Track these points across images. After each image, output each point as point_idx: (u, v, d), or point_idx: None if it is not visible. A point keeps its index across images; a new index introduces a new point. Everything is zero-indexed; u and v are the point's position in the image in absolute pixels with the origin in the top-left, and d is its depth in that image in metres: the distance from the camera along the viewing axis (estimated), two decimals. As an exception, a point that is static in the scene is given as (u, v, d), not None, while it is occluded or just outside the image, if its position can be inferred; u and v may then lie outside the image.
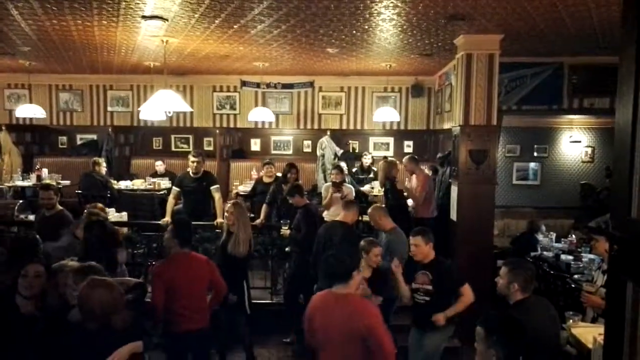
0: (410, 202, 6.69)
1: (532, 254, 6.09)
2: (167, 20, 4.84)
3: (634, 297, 1.89)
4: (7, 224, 6.35)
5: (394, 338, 2.99)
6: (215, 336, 4.50)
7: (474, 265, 5.38)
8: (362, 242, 4.25)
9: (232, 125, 9.36)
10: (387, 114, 7.98)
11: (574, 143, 8.84)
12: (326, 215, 6.51)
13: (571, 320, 3.43)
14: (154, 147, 10.80)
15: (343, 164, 8.12)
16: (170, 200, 6.35)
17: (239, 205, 4.88)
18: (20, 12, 4.67)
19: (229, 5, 4.36)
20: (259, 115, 8.15)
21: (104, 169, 8.35)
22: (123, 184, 8.64)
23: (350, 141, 10.25)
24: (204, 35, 5.53)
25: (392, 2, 4.18)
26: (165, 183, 8.53)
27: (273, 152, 10.60)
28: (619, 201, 2.11)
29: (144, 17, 4.74)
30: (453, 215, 5.85)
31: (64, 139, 10.88)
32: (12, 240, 4.95)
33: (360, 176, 8.47)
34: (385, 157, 7.95)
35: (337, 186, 6.46)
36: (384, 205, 5.81)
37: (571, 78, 6.47)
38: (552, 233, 6.71)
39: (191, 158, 6.29)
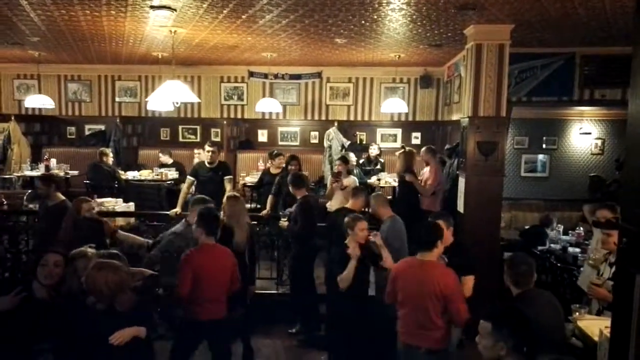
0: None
1: (540, 248, 6.05)
2: (175, 10, 4.83)
3: (643, 290, 1.88)
4: (16, 213, 6.41)
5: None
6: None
7: (481, 257, 5.35)
8: (346, 219, 4.14)
9: (239, 116, 9.36)
10: (395, 105, 7.94)
11: (584, 135, 8.75)
12: (328, 205, 6.53)
13: (577, 313, 3.42)
14: (162, 138, 10.84)
15: (352, 155, 8.12)
16: (184, 189, 6.45)
17: (231, 199, 4.84)
18: (30, 2, 4.68)
19: (236, -6, 4.35)
20: (267, 106, 8.13)
21: (111, 159, 8.40)
22: (130, 174, 8.69)
23: (357, 132, 10.22)
24: (212, 25, 5.51)
25: (401, -8, 4.14)
26: (172, 174, 8.57)
27: (280, 143, 10.59)
28: (630, 194, 2.09)
29: (152, 7, 4.73)
30: (460, 207, 5.83)
31: (73, 129, 10.94)
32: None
33: (367, 167, 8.46)
34: (403, 146, 7.87)
35: (336, 176, 6.47)
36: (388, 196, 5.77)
37: (583, 69, 6.38)
38: (559, 225, 6.67)
39: (207, 148, 6.44)
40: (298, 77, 8.83)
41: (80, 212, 4.73)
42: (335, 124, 9.17)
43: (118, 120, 9.65)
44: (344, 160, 6.81)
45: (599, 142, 8.72)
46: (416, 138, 10.20)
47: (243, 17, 5.12)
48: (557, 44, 6.16)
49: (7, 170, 9.12)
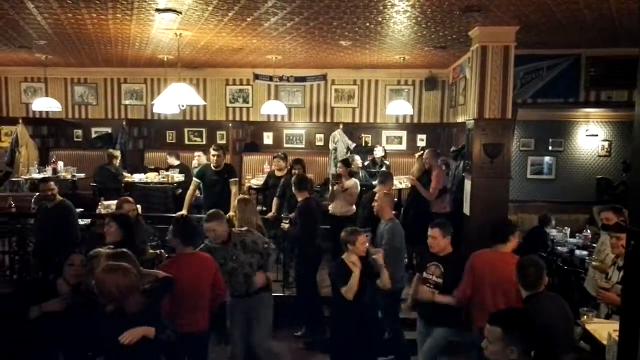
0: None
1: (547, 249, 6.01)
2: (180, 13, 4.85)
3: (651, 293, 1.87)
4: (24, 216, 6.45)
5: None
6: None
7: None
8: (343, 234, 3.99)
9: (244, 119, 9.38)
10: (400, 107, 7.92)
11: (591, 137, 8.70)
12: (330, 208, 6.53)
13: (585, 316, 3.40)
14: (168, 141, 10.87)
15: (357, 158, 8.11)
16: (190, 191, 6.47)
17: (241, 202, 4.82)
18: (37, 5, 4.72)
19: (242, -3, 4.36)
20: (272, 108, 8.15)
21: (118, 161, 8.45)
22: (137, 177, 8.72)
23: (362, 135, 10.20)
24: (217, 28, 5.53)
25: (406, -6, 4.14)
26: (178, 176, 8.60)
27: (285, 145, 10.58)
28: (637, 196, 2.07)
29: (157, 10, 4.75)
30: (466, 210, 5.81)
31: (79, 132, 10.99)
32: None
33: (372, 169, 8.44)
34: (422, 149, 7.86)
35: (337, 179, 6.49)
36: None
37: (589, 70, 6.35)
38: (566, 228, 6.63)
39: (212, 152, 6.45)
40: (303, 79, 8.84)
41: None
42: (341, 126, 9.17)
43: (124, 123, 9.70)
44: (345, 162, 6.83)
45: (606, 144, 8.67)
46: (421, 140, 10.17)
47: (248, 19, 5.13)
48: (562, 46, 6.14)
49: (15, 173, 9.19)
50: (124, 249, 3.39)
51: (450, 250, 3.93)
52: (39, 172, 8.77)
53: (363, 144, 9.81)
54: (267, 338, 4.38)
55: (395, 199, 7.96)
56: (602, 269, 4.09)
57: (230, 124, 9.85)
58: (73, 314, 3.23)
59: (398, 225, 4.79)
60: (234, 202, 6.12)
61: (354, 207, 6.49)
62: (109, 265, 2.96)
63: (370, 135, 10.28)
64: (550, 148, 8.72)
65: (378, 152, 8.67)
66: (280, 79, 8.72)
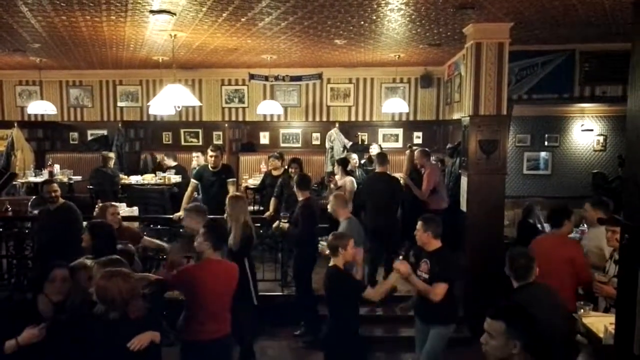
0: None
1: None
2: (175, 14, 4.85)
3: (646, 286, 1.89)
4: (21, 219, 6.43)
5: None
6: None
7: (484, 255, 5.37)
8: (331, 240, 3.87)
9: (240, 119, 9.37)
10: (396, 105, 7.94)
11: (586, 132, 8.74)
12: (329, 207, 6.54)
13: (582, 310, 3.41)
14: (164, 142, 10.86)
15: (355, 156, 8.12)
16: (188, 192, 6.48)
17: (232, 199, 4.81)
18: (30, 8, 4.71)
19: (236, -2, 4.36)
20: (268, 108, 8.15)
21: (113, 163, 8.44)
22: (133, 179, 8.71)
23: (359, 133, 10.21)
24: (211, 28, 5.53)
25: (399, -8, 4.15)
26: (175, 178, 8.59)
27: (282, 145, 10.59)
28: (632, 190, 2.09)
29: (152, 11, 4.75)
30: (463, 206, 5.83)
31: (75, 134, 10.96)
32: None
33: (369, 167, 8.45)
34: (410, 146, 7.90)
35: (330, 176, 6.53)
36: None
37: (583, 66, 6.38)
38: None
39: (209, 152, 6.45)
40: (298, 78, 8.84)
41: (106, 218, 4.66)
42: (337, 125, 9.18)
43: (120, 125, 9.67)
44: (341, 162, 6.87)
45: (601, 138, 8.71)
46: (418, 138, 10.19)
47: (242, 20, 5.14)
48: (556, 41, 6.16)
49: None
50: (117, 256, 3.31)
51: (437, 246, 3.92)
52: (35, 176, 8.75)
53: (359, 143, 9.82)
54: None
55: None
56: (599, 266, 4.11)
57: (226, 124, 9.85)
58: (56, 341, 2.93)
59: (354, 222, 5.01)
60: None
61: (351, 205, 6.51)
62: (109, 272, 2.89)
63: (366, 134, 10.30)
64: (546, 143, 8.76)
65: (374, 150, 8.67)
66: (276, 78, 8.72)
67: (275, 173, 6.98)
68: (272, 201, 6.45)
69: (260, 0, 4.42)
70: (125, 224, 5.31)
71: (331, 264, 3.85)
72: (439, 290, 3.76)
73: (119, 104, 9.31)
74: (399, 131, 10.42)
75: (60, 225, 5.05)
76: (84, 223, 4.80)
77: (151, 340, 2.84)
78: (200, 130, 10.79)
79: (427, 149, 6.99)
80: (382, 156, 6.48)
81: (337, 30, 5.58)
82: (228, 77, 9.08)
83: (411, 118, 9.01)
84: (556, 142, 8.74)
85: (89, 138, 10.82)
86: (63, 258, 3.44)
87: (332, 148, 8.96)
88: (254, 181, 8.39)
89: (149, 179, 8.66)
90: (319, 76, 8.79)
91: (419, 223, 3.97)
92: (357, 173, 7.72)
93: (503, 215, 5.81)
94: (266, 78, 8.63)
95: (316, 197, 7.03)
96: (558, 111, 8.57)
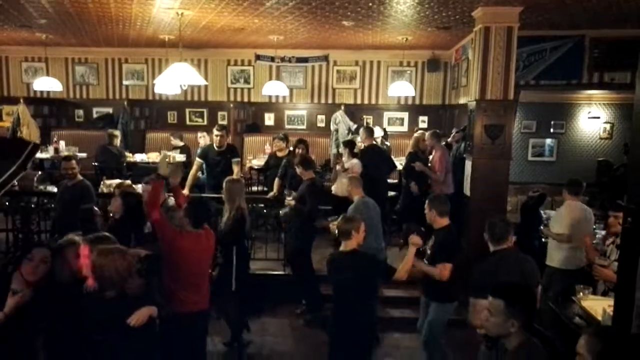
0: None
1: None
2: (182, -9, 4.82)
3: (646, 268, 1.91)
4: (27, 194, 6.49)
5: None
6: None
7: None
8: (344, 225, 3.69)
9: (246, 100, 9.36)
10: (402, 89, 7.90)
11: (593, 119, 8.68)
12: (333, 189, 6.58)
13: (581, 294, 3.45)
14: (169, 121, 10.85)
15: (359, 139, 8.11)
16: (192, 172, 6.51)
17: (228, 182, 4.81)
18: (37, -17, 4.69)
19: (244, -24, 4.33)
20: (273, 89, 8.12)
21: (119, 141, 8.46)
22: (138, 157, 8.74)
23: (364, 116, 10.18)
24: (219, 7, 5.50)
25: (409, -27, 4.11)
26: (179, 157, 8.62)
27: (287, 126, 10.57)
28: (635, 175, 2.11)
29: (159, -12, 4.73)
30: (466, 190, 5.84)
31: (81, 112, 10.96)
32: None
33: (374, 151, 8.43)
34: (417, 129, 7.98)
35: (338, 159, 6.55)
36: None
37: (592, 52, 6.32)
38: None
39: (215, 132, 6.47)
40: (305, 60, 8.80)
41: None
42: (342, 107, 9.15)
43: (126, 104, 9.68)
44: (348, 144, 6.87)
45: (608, 126, 8.65)
46: (423, 122, 10.14)
47: (250, -2, 5.10)
48: (566, 27, 6.10)
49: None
50: (106, 233, 3.30)
51: (443, 224, 3.99)
52: (40, 152, 8.78)
53: (364, 126, 9.79)
54: None
55: (395, 181, 8.05)
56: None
57: (231, 105, 9.83)
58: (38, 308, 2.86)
59: (371, 202, 5.00)
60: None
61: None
62: (104, 249, 2.85)
63: (371, 117, 10.25)
64: (551, 130, 8.70)
65: (376, 133, 8.63)
66: (282, 59, 8.67)
67: (279, 154, 7.00)
68: (276, 182, 6.48)
69: (269, -22, 4.39)
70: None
71: (346, 248, 3.65)
72: (445, 272, 3.82)
73: (125, 82, 9.31)
74: (405, 115, 10.38)
75: (76, 200, 5.11)
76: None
77: (149, 315, 2.85)
78: (205, 110, 10.77)
79: (437, 131, 6.98)
80: (369, 130, 6.89)
81: (345, 11, 5.54)
82: (234, 58, 9.05)
83: (417, 102, 8.97)
84: (562, 129, 8.69)
85: (94, 116, 10.83)
86: (76, 230, 3.48)
87: (337, 130, 8.94)
88: (258, 162, 8.41)
89: (153, 157, 8.69)
90: (326, 58, 8.74)
91: (427, 202, 4.10)
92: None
93: (506, 200, 5.82)
94: (272, 59, 8.59)
95: (320, 179, 7.06)
96: (565, 98, 8.50)
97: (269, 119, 10.83)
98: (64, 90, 9.03)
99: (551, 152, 8.75)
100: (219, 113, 10.58)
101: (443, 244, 3.92)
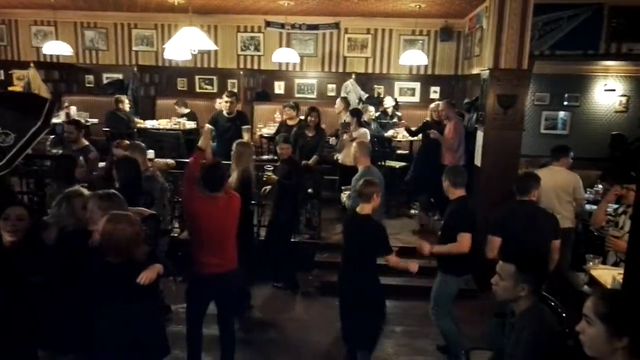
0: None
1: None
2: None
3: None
4: (40, 157, 6.55)
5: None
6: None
7: (497, 212, 5.38)
8: (366, 188, 3.77)
9: (255, 67, 9.28)
10: (414, 58, 7.78)
11: (608, 92, 8.52)
12: (340, 157, 6.58)
13: (591, 263, 3.46)
14: (179, 88, 10.82)
15: (372, 108, 8.05)
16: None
17: (239, 145, 4.88)
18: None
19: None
20: (283, 56, 8.02)
21: (127, 106, 8.46)
22: (149, 123, 8.75)
23: (375, 86, 10.07)
24: (229, -31, 5.39)
25: None
26: (189, 123, 8.62)
27: (297, 95, 10.49)
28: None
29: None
30: (477, 161, 5.81)
31: (91, 77, 10.94)
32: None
33: (383, 121, 8.38)
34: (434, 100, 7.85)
35: (345, 127, 6.50)
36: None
37: (611, 21, 6.14)
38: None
39: (224, 98, 6.46)
40: (315, 27, 8.66)
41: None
42: (353, 76, 9.05)
43: (135, 69, 9.63)
44: (354, 112, 6.82)
45: (624, 99, 8.50)
46: (435, 92, 10.01)
47: (262, -39, 4.99)
48: (585, -6, 5.92)
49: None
50: (113, 190, 3.28)
51: (458, 195, 3.96)
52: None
53: (375, 95, 9.70)
54: None
55: (406, 151, 8.02)
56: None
57: (241, 72, 9.76)
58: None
59: (375, 170, 5.04)
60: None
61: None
62: (114, 216, 2.82)
63: (382, 87, 10.14)
64: (565, 103, 8.57)
65: (387, 103, 8.56)
66: (292, 26, 8.54)
67: (290, 123, 6.96)
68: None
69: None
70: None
71: (362, 212, 3.73)
72: (464, 243, 3.79)
73: (134, 47, 9.25)
74: (416, 85, 10.24)
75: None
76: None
77: (157, 273, 2.85)
78: (215, 78, 10.71)
79: (452, 100, 6.90)
80: (357, 111, 6.89)
81: (358, -25, 5.42)
82: (244, 24, 8.93)
83: (429, 72, 8.85)
84: (576, 101, 8.55)
85: (104, 81, 10.81)
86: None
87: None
88: (268, 130, 8.39)
89: (164, 124, 8.70)
90: (337, 25, 8.60)
91: (443, 174, 4.10)
92: (373, 126, 7.67)
93: (517, 172, 5.77)
94: (282, 26, 8.46)
95: (329, 149, 7.04)
96: (580, 70, 8.33)
97: (279, 88, 10.75)
98: (74, 54, 8.99)
99: (564, 126, 8.64)
100: (229, 81, 10.51)
101: (453, 215, 3.93)
